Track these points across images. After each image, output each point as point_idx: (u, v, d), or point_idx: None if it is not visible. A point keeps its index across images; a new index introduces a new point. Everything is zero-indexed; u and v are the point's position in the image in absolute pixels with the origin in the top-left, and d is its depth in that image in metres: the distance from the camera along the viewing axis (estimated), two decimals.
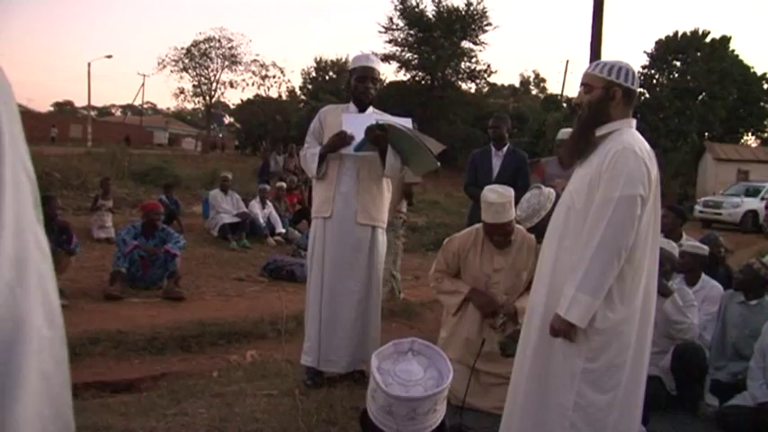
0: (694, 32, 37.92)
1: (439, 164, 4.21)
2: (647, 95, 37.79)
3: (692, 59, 37.16)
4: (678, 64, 38.30)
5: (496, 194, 4.01)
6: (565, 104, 37.99)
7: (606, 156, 2.79)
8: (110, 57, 39.93)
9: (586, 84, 2.92)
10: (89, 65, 42.41)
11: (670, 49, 38.12)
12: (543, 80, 59.44)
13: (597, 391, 2.81)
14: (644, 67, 38.62)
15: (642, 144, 2.83)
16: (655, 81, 38.78)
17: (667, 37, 38.60)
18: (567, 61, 51.10)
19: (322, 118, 4.37)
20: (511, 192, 4.08)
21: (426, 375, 1.78)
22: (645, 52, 39.39)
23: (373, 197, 4.24)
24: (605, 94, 2.88)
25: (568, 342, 2.81)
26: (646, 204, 2.78)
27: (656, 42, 38.98)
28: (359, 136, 4.08)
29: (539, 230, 3.37)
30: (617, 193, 2.72)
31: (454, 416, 3.82)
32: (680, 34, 38.18)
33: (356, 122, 4.15)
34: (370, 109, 4.30)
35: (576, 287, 2.72)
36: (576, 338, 2.80)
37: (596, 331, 2.78)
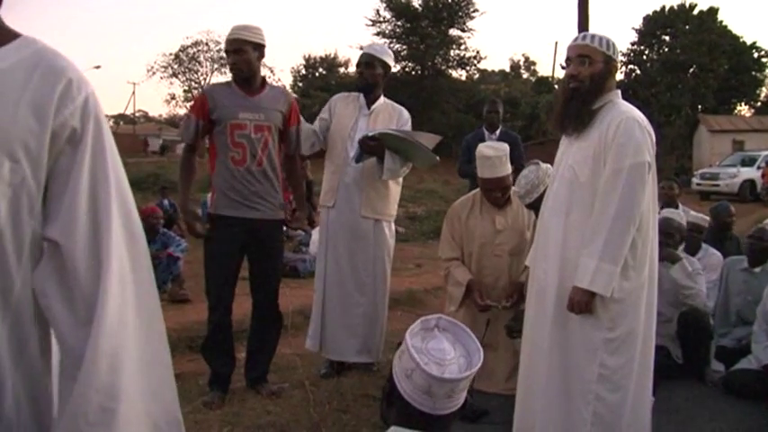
0: (681, 6, 37.88)
1: (438, 158, 4.26)
2: (638, 71, 37.77)
3: (681, 33, 37.08)
4: (667, 38, 38.24)
5: (492, 149, 4.09)
6: (556, 86, 37.95)
7: (609, 126, 2.84)
8: (98, 67, 39.90)
9: (585, 55, 2.92)
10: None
11: (658, 24, 38.06)
12: (533, 63, 59.17)
13: (619, 358, 2.84)
14: (633, 44, 38.61)
15: (640, 113, 2.90)
16: (645, 57, 38.76)
17: (655, 12, 38.55)
18: (557, 43, 51.22)
19: (332, 106, 4.40)
20: (506, 147, 4.16)
21: (457, 353, 1.78)
22: (633, 28, 39.31)
23: (378, 190, 4.25)
24: (606, 68, 2.93)
25: (587, 315, 2.83)
26: (651, 171, 2.83)
27: (644, 18, 38.96)
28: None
29: (536, 206, 3.40)
30: (627, 162, 2.76)
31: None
32: (667, 9, 38.11)
33: None
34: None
35: (598, 257, 2.74)
36: (594, 310, 2.82)
37: (614, 300, 2.81)
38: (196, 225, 3.87)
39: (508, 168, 4.11)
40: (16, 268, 1.21)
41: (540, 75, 49.05)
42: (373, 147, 4.05)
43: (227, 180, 3.81)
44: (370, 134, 4.03)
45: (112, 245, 1.25)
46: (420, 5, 37.33)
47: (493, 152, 4.05)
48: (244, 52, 3.78)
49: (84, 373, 1.20)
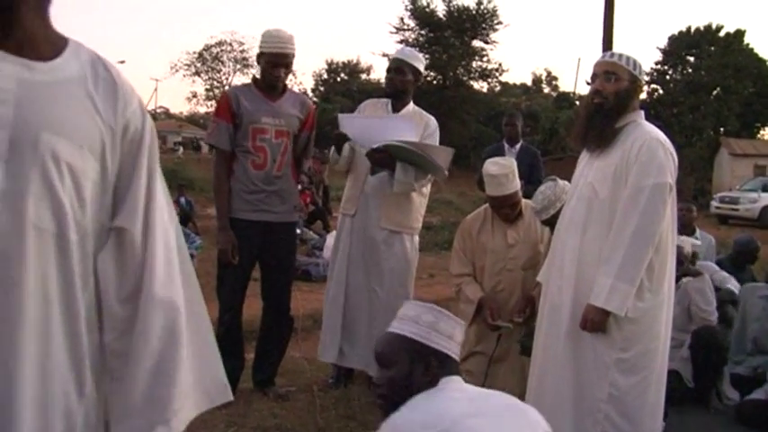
0: (708, 27, 37.67)
1: (446, 174, 4.12)
2: (661, 91, 37.55)
3: (706, 54, 36.87)
4: (691, 59, 38.02)
5: (498, 166, 3.99)
6: (577, 102, 37.83)
7: (632, 145, 2.82)
8: (122, 62, 40.08)
9: (612, 72, 2.91)
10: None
11: (683, 45, 37.86)
12: (555, 78, 59.09)
13: (630, 378, 2.81)
14: (657, 63, 38.42)
15: (663, 135, 2.89)
16: (668, 77, 38.55)
17: (680, 32, 38.36)
18: (579, 59, 51.07)
19: (361, 112, 4.36)
20: (512, 162, 4.06)
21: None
22: (658, 48, 39.13)
23: (399, 202, 4.12)
24: (632, 87, 2.92)
25: (600, 333, 2.80)
26: (672, 193, 2.81)
27: (669, 38, 38.77)
28: (358, 136, 4.04)
29: (552, 223, 3.37)
30: (649, 182, 2.74)
31: None
32: (693, 29, 37.91)
33: (354, 124, 4.15)
34: (379, 103, 4.28)
35: (614, 276, 2.72)
36: (607, 329, 2.79)
37: (628, 320, 2.78)
38: (229, 251, 3.76)
39: (516, 185, 4.04)
40: (83, 258, 1.30)
41: (561, 90, 48.94)
42: (380, 159, 3.93)
43: (245, 184, 3.80)
44: (375, 146, 3.87)
45: (158, 230, 1.40)
46: (444, 15, 37.36)
47: (498, 170, 3.96)
48: (287, 66, 3.84)
49: (136, 343, 1.34)
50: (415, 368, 1.85)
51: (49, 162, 1.19)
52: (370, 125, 4.12)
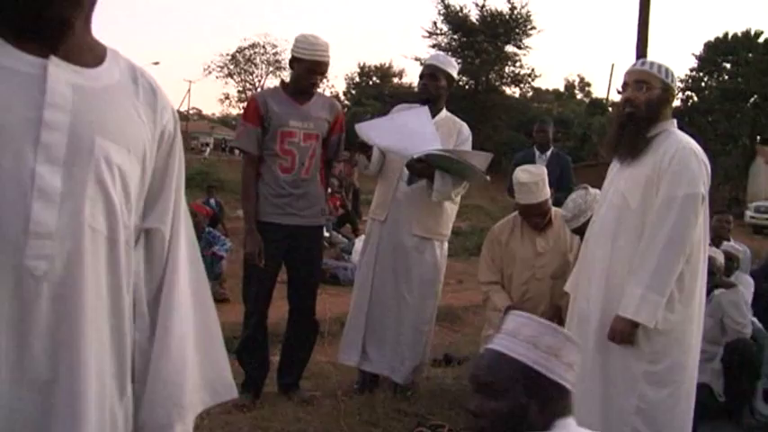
0: (746, 33, 36.97)
1: (488, 178, 4.12)
2: (696, 99, 37.03)
3: (744, 61, 36.24)
4: (728, 66, 37.42)
5: (528, 174, 3.96)
6: (610, 108, 37.46)
7: (664, 155, 2.78)
8: (157, 63, 40.58)
9: (643, 81, 2.87)
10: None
11: (720, 51, 37.27)
12: (588, 84, 58.40)
13: (659, 391, 2.77)
14: (692, 70, 37.86)
15: (696, 144, 2.84)
16: (703, 84, 37.99)
17: (717, 38, 37.76)
18: (613, 65, 50.43)
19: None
20: (543, 171, 4.03)
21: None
22: (693, 54, 38.63)
23: (430, 208, 4.08)
24: (664, 96, 2.88)
25: (628, 345, 2.76)
26: (704, 204, 2.77)
27: (705, 44, 38.19)
28: (378, 139, 4.01)
29: (582, 231, 3.33)
30: (681, 192, 2.70)
31: None
32: (730, 35, 37.31)
33: (371, 129, 4.10)
34: (404, 108, 4.25)
35: (644, 286, 2.68)
36: (636, 341, 2.75)
37: (658, 332, 2.74)
38: (256, 254, 3.77)
39: (546, 193, 4.00)
40: (128, 258, 1.34)
41: (594, 96, 48.45)
42: (421, 169, 3.91)
43: (273, 187, 3.81)
44: (416, 156, 3.83)
45: (183, 230, 1.46)
46: (477, 20, 37.23)
47: (528, 177, 3.94)
48: (323, 73, 3.90)
49: (160, 342, 1.39)
50: (531, 403, 1.56)
51: (102, 166, 1.23)
52: (388, 126, 4.10)
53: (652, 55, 18.13)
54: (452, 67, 4.29)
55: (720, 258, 4.41)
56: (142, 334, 1.40)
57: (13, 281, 1.14)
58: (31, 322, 1.17)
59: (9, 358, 1.15)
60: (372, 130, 4.09)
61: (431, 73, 4.17)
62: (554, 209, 4.08)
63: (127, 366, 1.35)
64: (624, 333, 2.74)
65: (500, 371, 1.58)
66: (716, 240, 5.15)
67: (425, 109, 4.03)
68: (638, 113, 2.86)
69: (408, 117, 4.06)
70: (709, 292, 3.62)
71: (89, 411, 1.24)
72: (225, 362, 1.56)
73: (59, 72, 1.21)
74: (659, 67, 2.90)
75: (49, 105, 1.17)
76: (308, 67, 3.80)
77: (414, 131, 3.90)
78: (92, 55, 1.29)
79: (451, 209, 4.25)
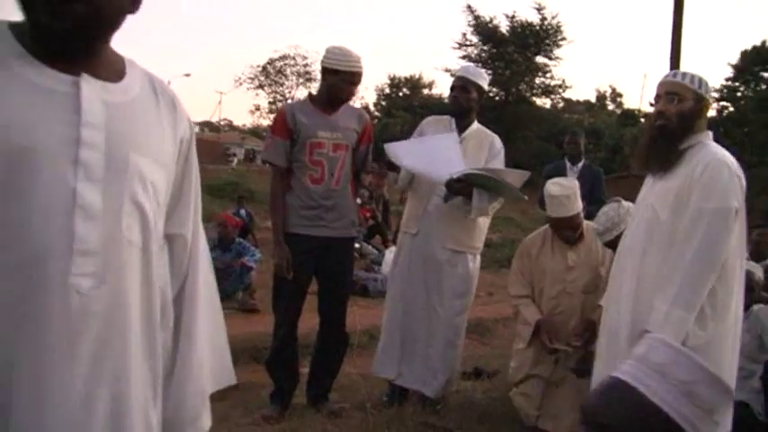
0: None
1: (526, 198, 4.14)
2: (731, 109, 36.45)
3: None
4: (765, 75, 36.78)
5: (559, 187, 3.91)
6: (643, 119, 37.03)
7: (696, 167, 2.70)
8: (188, 75, 41.25)
9: (674, 93, 2.81)
10: (169, 83, 43.45)
11: (756, 60, 36.65)
12: (620, 95, 57.59)
13: None
14: (728, 80, 37.29)
15: (731, 157, 2.76)
16: (739, 93, 37.40)
17: (754, 47, 37.14)
18: (645, 75, 50.11)
19: (423, 130, 4.31)
20: (575, 184, 3.98)
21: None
22: (729, 64, 38.00)
23: (463, 222, 4.07)
24: (697, 107, 2.81)
25: None
26: (738, 218, 2.69)
27: (742, 53, 37.59)
28: (406, 160, 4.05)
29: (615, 245, 3.27)
30: (711, 205, 2.62)
31: None
32: (767, 43, 36.69)
33: (401, 148, 4.13)
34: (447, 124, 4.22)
35: (670, 302, 2.61)
36: None
37: (688, 349, 2.67)
38: (284, 266, 3.77)
39: (578, 206, 3.95)
40: (157, 266, 1.37)
41: (626, 107, 47.98)
42: (461, 189, 3.90)
43: (303, 198, 3.82)
44: (456, 176, 3.82)
45: (201, 233, 1.51)
46: (507, 31, 37.17)
47: (560, 191, 3.89)
48: (357, 85, 3.91)
49: (184, 340, 1.45)
50: None
51: (136, 180, 1.26)
52: (416, 149, 4.10)
53: (686, 64, 17.95)
54: (483, 78, 4.28)
55: (759, 273, 4.31)
56: (167, 333, 1.43)
57: (60, 298, 1.16)
58: (79, 338, 1.19)
59: (60, 374, 1.17)
60: (400, 150, 4.12)
61: (462, 85, 4.15)
62: (586, 222, 4.02)
63: (158, 371, 1.37)
64: None
65: (635, 418, 1.23)
66: (756, 255, 5.03)
67: (454, 135, 4.05)
68: (669, 126, 2.80)
69: (436, 141, 4.06)
70: (747, 307, 3.55)
71: (135, 421, 1.29)
72: (227, 350, 1.62)
73: (91, 89, 1.22)
74: (692, 77, 2.83)
75: (85, 124, 1.19)
76: (346, 79, 3.82)
77: (440, 156, 3.90)
78: (114, 69, 1.30)
79: (484, 222, 4.23)
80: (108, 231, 1.21)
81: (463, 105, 4.15)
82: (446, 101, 4.39)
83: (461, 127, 4.18)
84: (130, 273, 1.26)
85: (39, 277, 1.15)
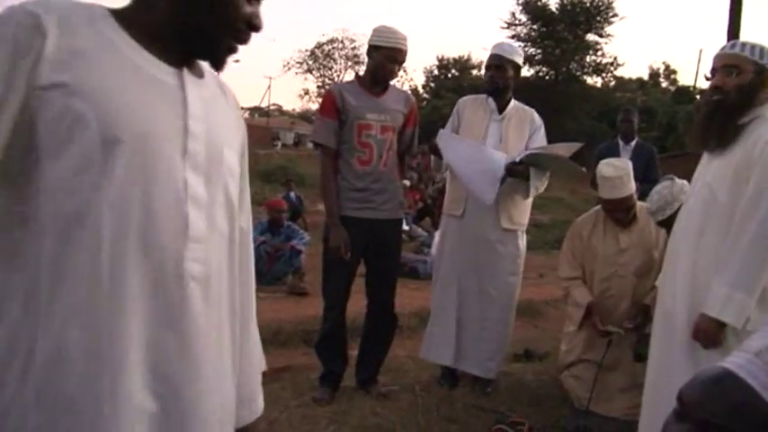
0: None
1: (585, 170, 4.13)
2: None
3: None
4: None
5: (612, 168, 3.83)
6: (698, 97, 36.05)
7: (756, 143, 2.57)
8: (237, 61, 41.25)
9: (732, 65, 2.66)
10: None
11: None
12: (674, 72, 56.25)
13: None
14: None
15: None
16: None
17: None
18: (701, 50, 48.63)
19: (460, 111, 4.27)
20: (628, 165, 3.89)
21: None
22: None
23: (514, 200, 4.09)
24: (757, 79, 2.65)
25: (715, 347, 2.60)
26: None
27: None
28: (450, 156, 4.04)
29: (669, 225, 3.18)
30: None
31: (578, 419, 3.71)
32: None
33: (452, 142, 4.11)
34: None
35: (730, 284, 2.51)
36: (725, 341, 2.61)
37: (748, 333, 2.58)
38: (342, 248, 3.74)
39: (631, 188, 3.85)
40: (238, 257, 1.40)
41: (680, 84, 46.79)
42: (522, 171, 3.92)
43: (351, 181, 3.80)
44: (518, 159, 3.86)
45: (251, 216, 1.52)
46: (557, 9, 36.47)
47: (613, 172, 3.80)
48: (401, 63, 3.84)
49: (246, 322, 1.47)
50: None
51: (227, 173, 1.31)
52: (465, 150, 4.05)
53: (745, 38, 17.30)
54: (518, 54, 4.20)
55: None
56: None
57: (174, 283, 1.19)
58: (189, 323, 1.21)
59: (173, 358, 1.20)
60: (450, 143, 4.11)
61: (497, 64, 4.10)
62: (639, 203, 3.93)
63: (237, 356, 1.40)
64: (709, 332, 2.59)
65: (743, 415, 0.95)
66: None
67: (503, 156, 3.98)
68: (727, 101, 2.66)
69: (488, 154, 4.00)
70: None
71: (228, 403, 1.35)
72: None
73: (191, 83, 1.25)
74: (752, 47, 2.67)
75: (192, 116, 1.23)
76: (387, 55, 3.77)
77: (483, 170, 3.91)
78: (197, 65, 1.33)
79: (529, 200, 4.22)
80: (210, 221, 1.25)
81: (500, 85, 4.09)
82: (483, 81, 4.33)
83: (500, 106, 4.15)
84: (222, 262, 1.30)
85: (162, 264, 1.17)
